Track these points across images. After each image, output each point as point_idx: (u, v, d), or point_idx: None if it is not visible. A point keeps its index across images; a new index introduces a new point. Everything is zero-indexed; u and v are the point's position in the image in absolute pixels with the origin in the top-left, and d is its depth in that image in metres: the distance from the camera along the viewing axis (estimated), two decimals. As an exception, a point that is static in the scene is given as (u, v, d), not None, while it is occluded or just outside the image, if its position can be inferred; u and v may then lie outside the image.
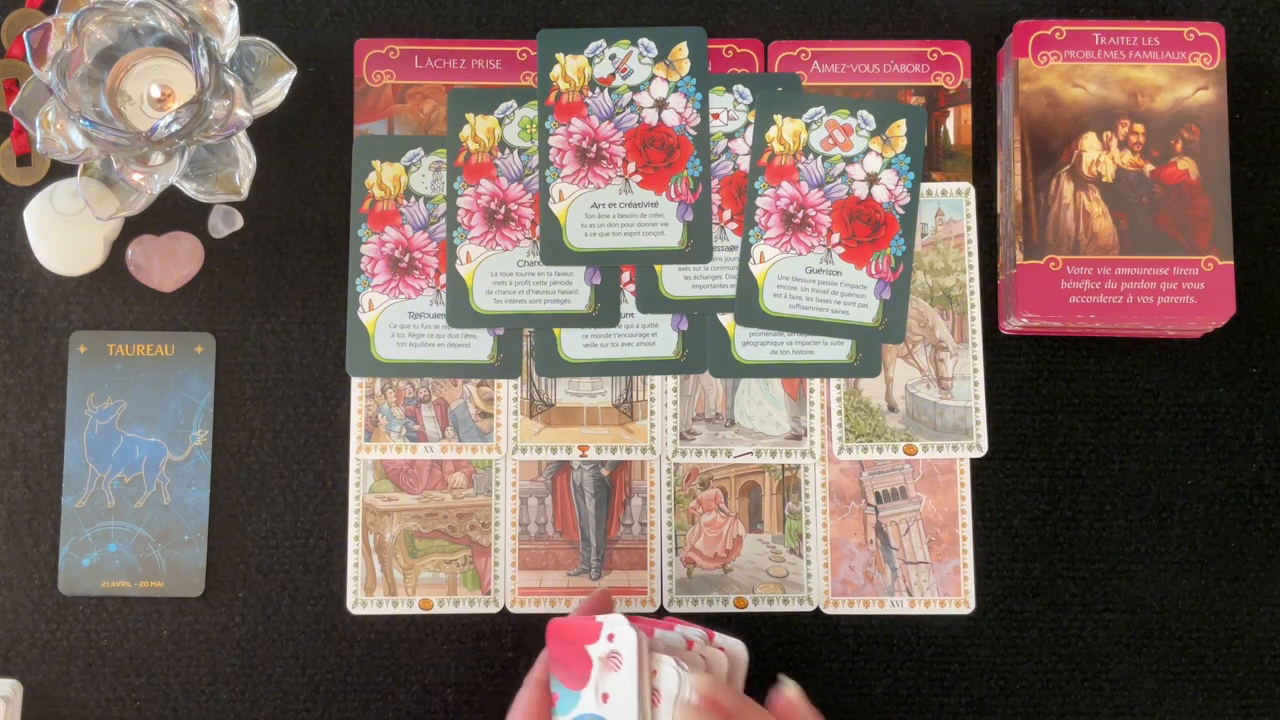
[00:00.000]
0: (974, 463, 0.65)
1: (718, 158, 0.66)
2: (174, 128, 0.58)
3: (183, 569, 0.64)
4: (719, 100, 0.67)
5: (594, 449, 0.65)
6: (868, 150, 0.66)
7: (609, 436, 0.65)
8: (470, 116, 0.66)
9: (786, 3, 0.68)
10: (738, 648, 0.56)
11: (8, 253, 0.66)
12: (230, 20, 0.60)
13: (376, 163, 0.66)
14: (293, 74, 0.62)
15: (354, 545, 0.64)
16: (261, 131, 0.64)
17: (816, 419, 0.65)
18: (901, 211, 0.66)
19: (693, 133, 0.66)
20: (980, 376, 0.65)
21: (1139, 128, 0.64)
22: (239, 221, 0.66)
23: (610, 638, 0.53)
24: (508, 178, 0.66)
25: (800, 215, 0.66)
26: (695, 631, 0.56)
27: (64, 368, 0.65)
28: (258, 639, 0.64)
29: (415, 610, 0.64)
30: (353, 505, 0.64)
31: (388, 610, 0.64)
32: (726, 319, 0.66)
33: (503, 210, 0.66)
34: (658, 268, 0.66)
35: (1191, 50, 0.65)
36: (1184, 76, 0.64)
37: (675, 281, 0.66)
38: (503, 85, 0.67)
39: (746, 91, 0.67)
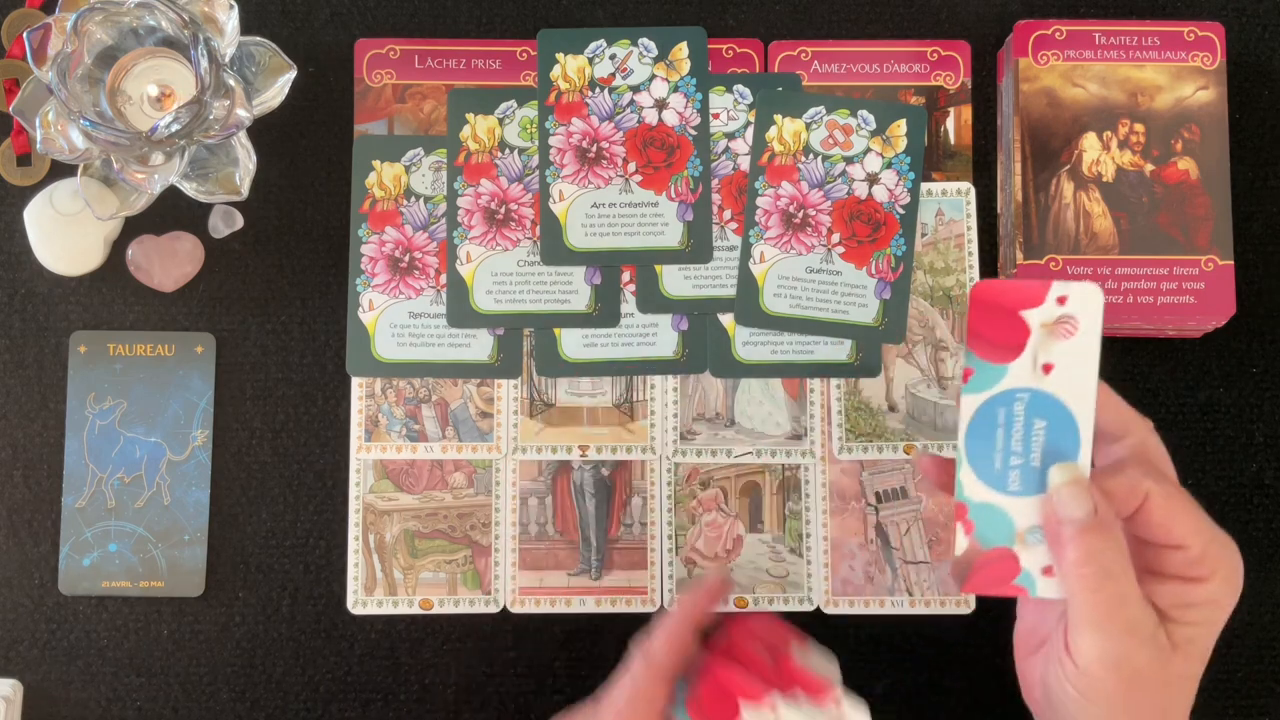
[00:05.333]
0: (974, 463, 0.65)
1: (718, 158, 0.66)
2: (174, 128, 0.58)
3: (183, 569, 0.64)
4: (719, 100, 0.67)
5: (594, 449, 0.65)
6: (868, 150, 0.66)
7: (609, 436, 0.65)
8: (470, 116, 0.66)
9: (786, 3, 0.68)
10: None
11: (8, 253, 0.66)
12: (230, 20, 0.60)
13: (376, 163, 0.66)
14: (293, 74, 0.62)
15: (354, 545, 0.64)
16: (261, 131, 0.64)
17: (816, 419, 0.65)
18: (901, 211, 0.66)
19: (693, 133, 0.66)
20: (980, 376, 0.65)
21: (1139, 127, 0.64)
22: (239, 221, 0.66)
23: (1061, 300, 0.47)
24: (508, 178, 0.66)
25: (800, 215, 0.66)
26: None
27: (64, 368, 0.65)
28: (258, 639, 0.64)
29: (415, 610, 0.64)
30: (353, 505, 0.64)
31: (388, 610, 0.64)
32: (726, 319, 0.66)
33: (503, 210, 0.66)
34: (658, 268, 0.66)
35: (1191, 50, 0.65)
36: (1184, 76, 0.64)
37: (675, 281, 0.66)
38: (503, 85, 0.67)
39: (746, 91, 0.67)
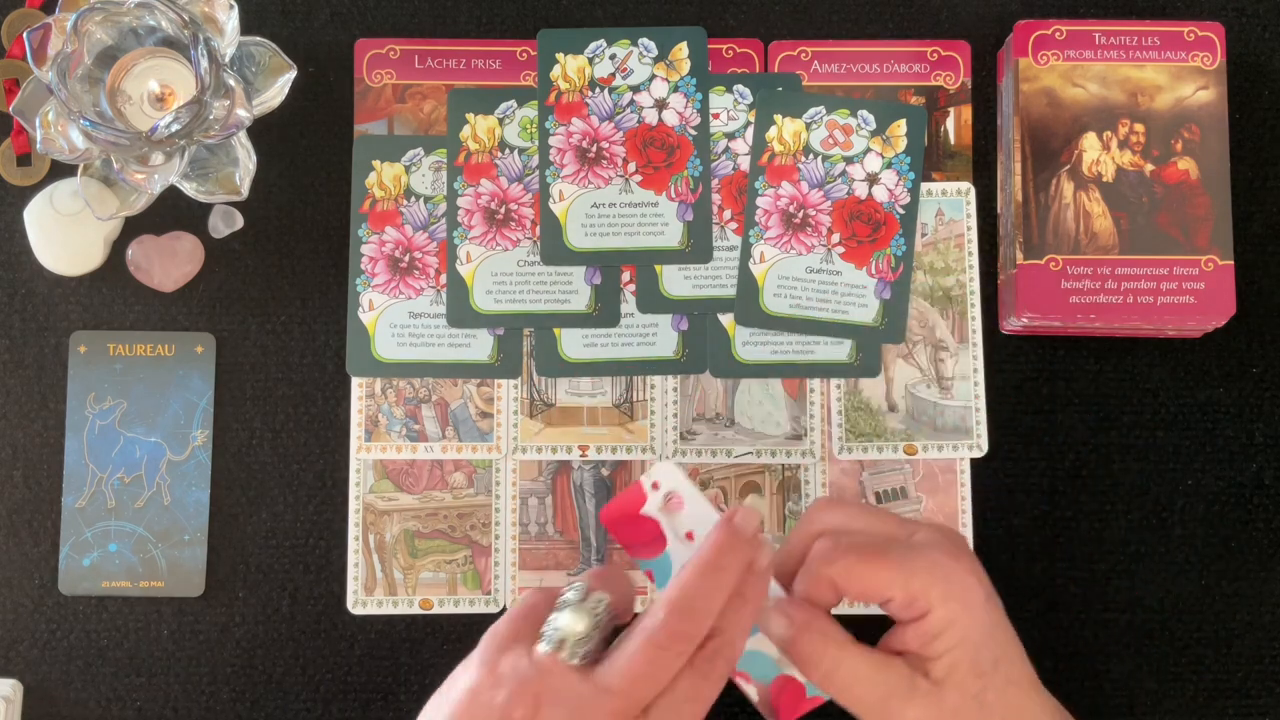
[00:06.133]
0: (974, 463, 0.65)
1: (718, 158, 0.66)
2: (174, 128, 0.58)
3: (183, 569, 0.64)
4: (719, 100, 0.67)
5: (594, 449, 0.65)
6: (868, 150, 0.66)
7: (609, 436, 0.65)
8: (470, 116, 0.66)
9: (786, 3, 0.68)
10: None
11: (8, 253, 0.66)
12: (230, 20, 0.60)
13: (376, 163, 0.66)
14: (293, 74, 0.62)
15: (354, 545, 0.64)
16: (261, 131, 0.64)
17: (816, 419, 0.65)
18: (901, 211, 0.66)
19: (693, 133, 0.66)
20: (980, 376, 0.65)
21: (1139, 127, 0.64)
22: (239, 221, 0.66)
23: (655, 485, 0.52)
24: (508, 178, 0.66)
25: (800, 215, 0.66)
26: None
27: (64, 368, 0.65)
28: (258, 639, 0.64)
29: (415, 610, 0.64)
30: (353, 505, 0.64)
31: (388, 610, 0.64)
32: (726, 319, 0.66)
33: (503, 210, 0.66)
34: (658, 268, 0.66)
35: (1191, 50, 0.65)
36: (1184, 76, 0.64)
37: (675, 281, 0.66)
38: (503, 85, 0.67)
39: (746, 91, 0.67)
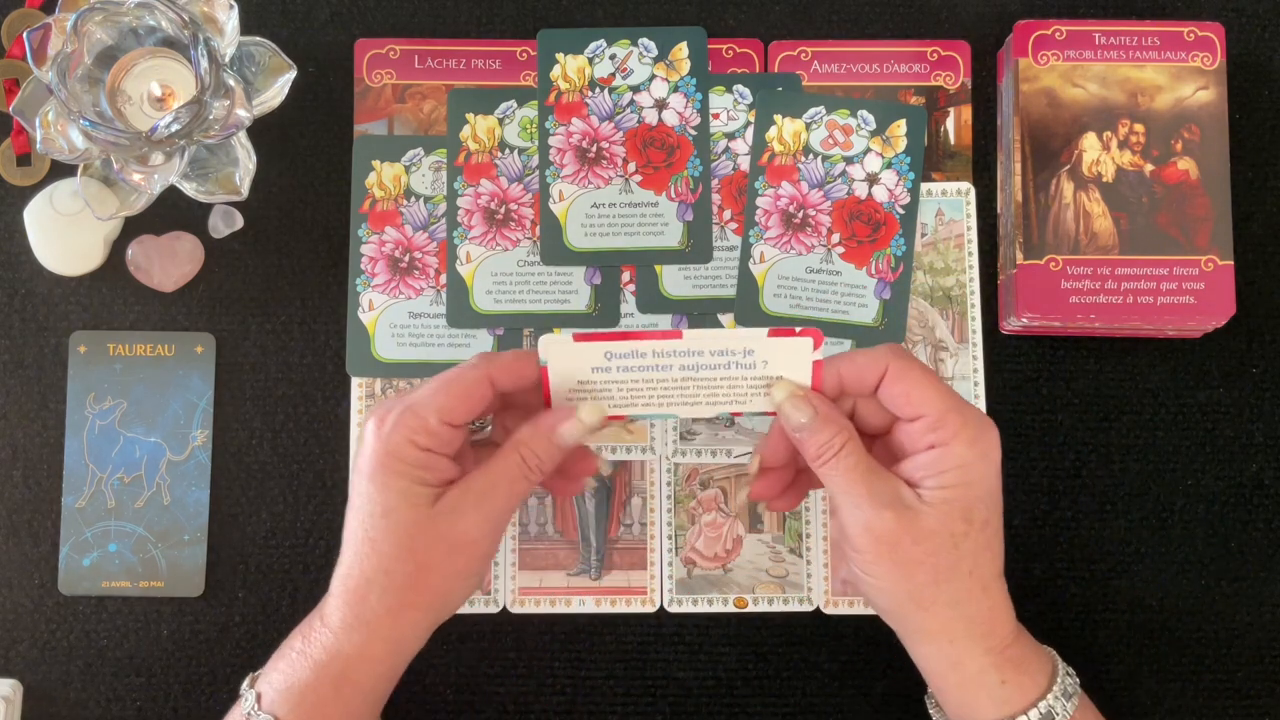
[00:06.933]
0: (974, 463, 0.65)
1: (718, 158, 0.66)
2: (174, 128, 0.58)
3: (183, 569, 0.64)
4: (719, 100, 0.67)
5: (594, 449, 0.65)
6: (868, 150, 0.66)
7: (609, 436, 0.65)
8: (470, 116, 0.66)
9: (786, 3, 0.68)
10: None
11: (8, 253, 0.66)
12: (230, 20, 0.60)
13: (376, 163, 0.66)
14: (293, 74, 0.62)
15: (354, 545, 0.64)
16: (261, 131, 0.64)
17: (816, 419, 0.65)
18: (901, 211, 0.66)
19: (693, 133, 0.66)
20: (980, 376, 0.65)
21: (1139, 128, 0.64)
22: (239, 221, 0.66)
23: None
24: (508, 178, 0.66)
25: (800, 215, 0.66)
26: None
27: (64, 368, 0.65)
28: (258, 639, 0.64)
29: (415, 610, 0.64)
30: (353, 505, 0.64)
31: (388, 610, 0.64)
32: (726, 319, 0.66)
33: (503, 210, 0.66)
34: (658, 268, 0.66)
35: (1191, 50, 0.65)
36: (1184, 76, 0.64)
37: (675, 281, 0.66)
38: (503, 85, 0.67)
39: (746, 91, 0.67)
